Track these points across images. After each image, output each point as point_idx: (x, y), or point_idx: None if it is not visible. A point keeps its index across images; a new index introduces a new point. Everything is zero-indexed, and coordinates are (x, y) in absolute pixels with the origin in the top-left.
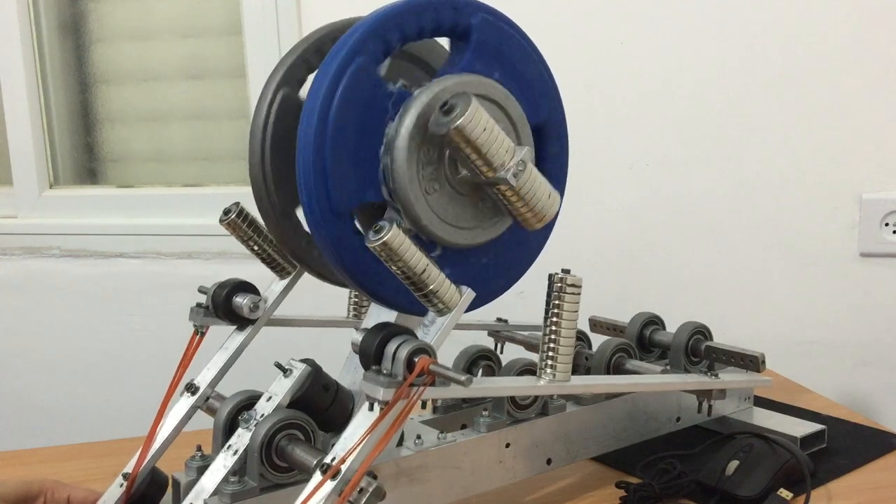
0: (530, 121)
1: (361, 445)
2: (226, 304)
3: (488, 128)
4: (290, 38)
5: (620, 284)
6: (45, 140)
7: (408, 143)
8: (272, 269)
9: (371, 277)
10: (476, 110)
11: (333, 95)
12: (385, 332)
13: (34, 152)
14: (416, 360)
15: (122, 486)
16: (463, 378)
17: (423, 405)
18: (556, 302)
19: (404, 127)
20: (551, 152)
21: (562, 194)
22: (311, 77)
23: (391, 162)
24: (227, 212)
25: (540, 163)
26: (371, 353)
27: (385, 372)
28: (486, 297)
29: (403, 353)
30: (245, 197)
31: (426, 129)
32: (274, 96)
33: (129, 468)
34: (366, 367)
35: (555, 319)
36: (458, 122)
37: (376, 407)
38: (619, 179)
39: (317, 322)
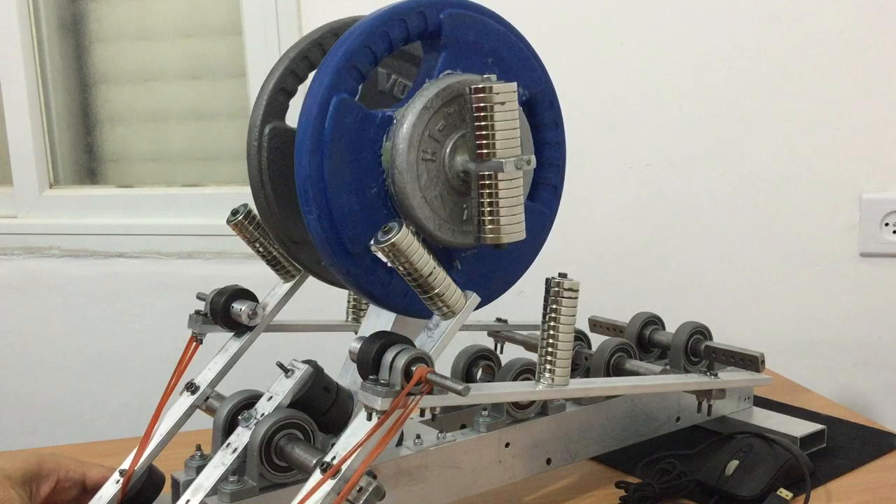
0: (525, 94)
1: (360, 448)
2: (224, 311)
3: (513, 112)
4: (290, 38)
5: (620, 284)
6: (45, 140)
7: (431, 97)
8: (276, 271)
9: (383, 289)
10: (513, 89)
11: (321, 149)
12: (382, 341)
13: (34, 152)
14: (414, 369)
15: (118, 482)
16: (460, 388)
17: (422, 413)
18: (554, 306)
19: (435, 86)
20: (546, 125)
21: (561, 181)
22: (308, 79)
23: (403, 113)
24: (234, 213)
25: (538, 147)
26: (369, 363)
27: (382, 381)
28: (485, 298)
29: (401, 363)
30: (245, 197)
31: (449, 100)
32: (270, 100)
33: (125, 465)
34: (363, 376)
35: (552, 324)
36: (492, 87)
37: (374, 416)
38: (619, 179)
39: (315, 326)
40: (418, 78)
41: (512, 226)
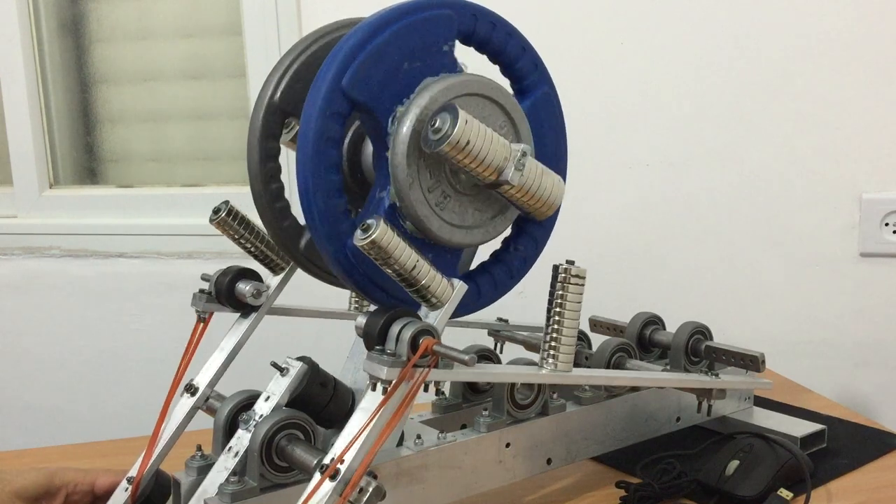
0: (451, 44)
1: (365, 435)
2: (229, 291)
3: (480, 134)
4: (290, 38)
5: (620, 284)
6: (45, 140)
7: (406, 166)
8: (266, 265)
9: (379, 287)
10: (465, 123)
11: (355, 267)
12: (389, 314)
13: (34, 152)
14: (421, 340)
15: (126, 490)
16: (467, 357)
17: (426, 388)
18: (560, 293)
19: (399, 152)
20: (500, 41)
21: (554, 88)
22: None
23: (398, 200)
24: (216, 211)
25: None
26: (375, 334)
27: (389, 352)
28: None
29: (408, 335)
30: (246, 197)
31: (417, 156)
32: (272, 97)
33: (133, 472)
34: (369, 348)
35: (558, 310)
36: (448, 140)
37: (379, 388)
38: (619, 179)
39: (319, 313)
40: (373, 143)
41: (552, 192)
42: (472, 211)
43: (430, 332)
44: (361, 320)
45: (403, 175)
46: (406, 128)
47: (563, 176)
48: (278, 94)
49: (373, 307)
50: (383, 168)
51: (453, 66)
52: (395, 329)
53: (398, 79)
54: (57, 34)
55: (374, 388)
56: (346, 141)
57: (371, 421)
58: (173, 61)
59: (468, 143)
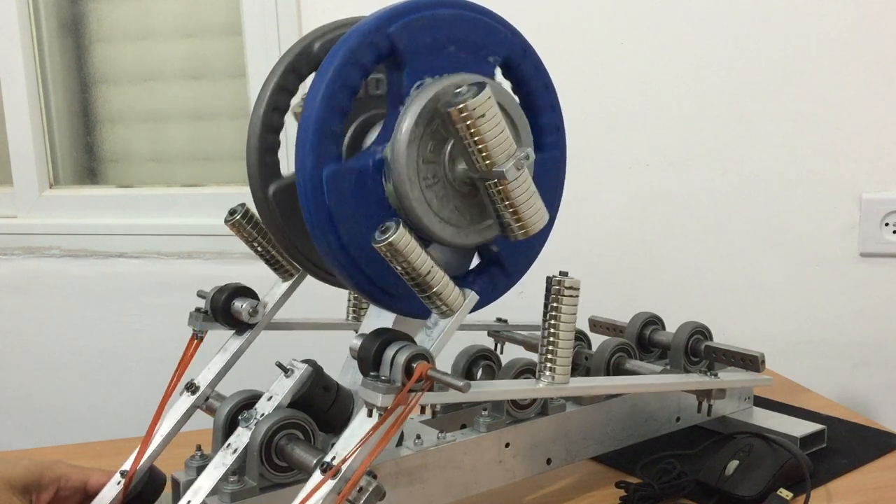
0: (497, 60)
1: (361, 447)
2: (225, 309)
3: (496, 119)
4: (290, 38)
5: (620, 284)
6: (45, 140)
7: (413, 125)
8: (275, 270)
9: (381, 286)
10: (488, 97)
11: (333, 225)
12: (383, 338)
13: (34, 152)
14: (415, 365)
15: (119, 483)
16: (461, 384)
17: (423, 410)
18: (555, 304)
19: (413, 110)
20: (529, 75)
21: (562, 120)
22: (309, 77)
23: (391, 153)
24: (232, 212)
25: (529, 98)
26: (369, 359)
27: (383, 378)
28: (529, 259)
29: (402, 359)
30: (245, 197)
31: (429, 120)
32: (271, 98)
33: (126, 466)
34: (364, 373)
35: (553, 322)
36: (467, 103)
37: (375, 413)
38: (619, 179)
39: (315, 325)
40: (389, 101)
41: (535, 216)
42: (452, 206)
43: (424, 356)
44: (356, 343)
45: (407, 131)
46: (429, 93)
47: (547, 233)
48: (278, 93)
49: (367, 325)
50: (389, 124)
51: (491, 78)
52: (389, 353)
53: (440, 55)
54: (57, 34)
55: (370, 415)
56: (350, 131)
57: (366, 439)
58: (173, 61)
59: (482, 116)
